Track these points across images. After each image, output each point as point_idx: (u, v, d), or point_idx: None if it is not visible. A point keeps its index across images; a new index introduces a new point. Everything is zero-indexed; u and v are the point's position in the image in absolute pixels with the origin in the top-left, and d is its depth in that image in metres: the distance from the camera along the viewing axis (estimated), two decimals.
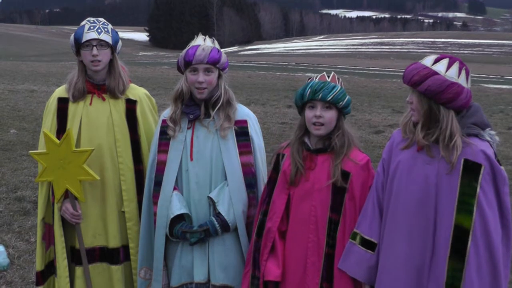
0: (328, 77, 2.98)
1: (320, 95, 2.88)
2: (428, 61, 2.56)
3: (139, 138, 3.47)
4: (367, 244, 2.76)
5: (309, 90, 2.91)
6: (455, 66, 2.52)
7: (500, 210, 2.48)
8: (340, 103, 2.91)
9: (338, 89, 2.92)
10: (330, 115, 2.92)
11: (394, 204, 2.65)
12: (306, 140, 3.01)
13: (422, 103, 2.53)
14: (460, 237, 2.44)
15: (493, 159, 2.46)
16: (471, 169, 2.45)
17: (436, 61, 2.55)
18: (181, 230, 3.13)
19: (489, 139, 2.54)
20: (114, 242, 3.45)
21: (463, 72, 2.53)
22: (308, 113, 2.94)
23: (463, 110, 2.55)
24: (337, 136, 2.94)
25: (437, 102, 2.51)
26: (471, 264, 2.42)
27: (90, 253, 3.45)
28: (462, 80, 2.52)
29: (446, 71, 2.51)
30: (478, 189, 2.43)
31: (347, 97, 2.96)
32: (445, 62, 2.53)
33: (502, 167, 2.49)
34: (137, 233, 3.43)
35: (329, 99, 2.88)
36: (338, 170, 2.89)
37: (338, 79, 3.00)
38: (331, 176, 2.90)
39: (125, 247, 3.49)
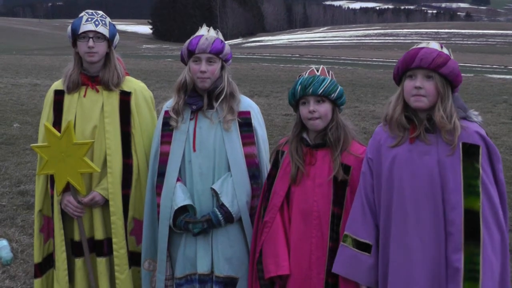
0: (318, 70, 2.96)
1: (311, 90, 2.88)
2: (436, 45, 2.58)
3: (131, 130, 3.43)
4: (362, 246, 2.73)
5: (300, 86, 2.92)
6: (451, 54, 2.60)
7: (497, 187, 2.50)
8: (332, 94, 2.90)
9: (329, 81, 2.91)
10: (324, 108, 2.91)
11: (398, 201, 2.61)
12: (305, 136, 3.00)
13: (443, 86, 2.52)
14: (472, 220, 2.43)
15: (487, 138, 2.50)
16: (470, 151, 2.47)
17: (441, 47, 2.59)
18: (184, 220, 3.13)
19: (476, 119, 2.57)
20: (98, 234, 3.44)
21: None
22: (302, 110, 2.94)
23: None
24: (330, 128, 2.92)
25: (454, 84, 2.55)
26: (486, 246, 2.41)
27: (79, 244, 3.44)
28: None
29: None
30: (480, 170, 2.45)
31: (339, 88, 2.94)
32: (446, 49, 2.58)
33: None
34: (121, 228, 3.41)
35: (320, 92, 2.87)
36: (338, 163, 2.87)
37: (328, 71, 2.99)
38: (332, 171, 2.88)
39: (109, 240, 3.46)
